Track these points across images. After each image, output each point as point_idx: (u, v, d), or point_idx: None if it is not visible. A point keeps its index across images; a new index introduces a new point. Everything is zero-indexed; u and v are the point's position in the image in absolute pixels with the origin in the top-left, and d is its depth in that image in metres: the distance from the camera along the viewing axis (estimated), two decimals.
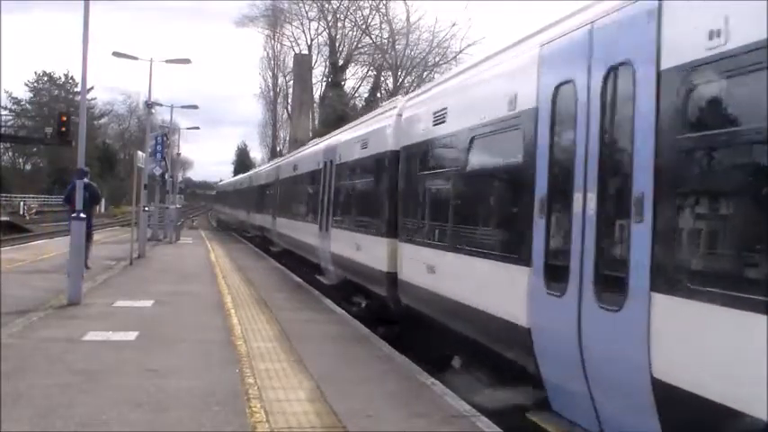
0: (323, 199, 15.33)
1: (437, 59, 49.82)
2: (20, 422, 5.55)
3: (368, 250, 11.26)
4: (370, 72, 56.50)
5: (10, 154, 75.91)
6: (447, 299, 7.92)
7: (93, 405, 6.07)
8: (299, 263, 19.12)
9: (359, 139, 12.82)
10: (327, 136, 18.46)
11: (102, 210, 53.05)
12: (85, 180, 16.35)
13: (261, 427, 5.67)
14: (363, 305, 12.20)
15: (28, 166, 79.41)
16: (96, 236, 18.87)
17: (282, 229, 22.56)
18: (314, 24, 58.08)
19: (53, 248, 21.25)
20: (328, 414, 6.07)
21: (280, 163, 27.17)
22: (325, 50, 58.19)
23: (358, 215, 12.46)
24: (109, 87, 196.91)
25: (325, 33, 57.56)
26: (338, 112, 45.93)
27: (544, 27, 6.48)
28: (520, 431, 6.19)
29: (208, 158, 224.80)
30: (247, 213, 35.84)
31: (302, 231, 18.22)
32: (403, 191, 10.00)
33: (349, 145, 13.69)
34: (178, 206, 37.08)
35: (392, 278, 10.02)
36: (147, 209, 25.43)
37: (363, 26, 54.80)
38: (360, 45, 56.04)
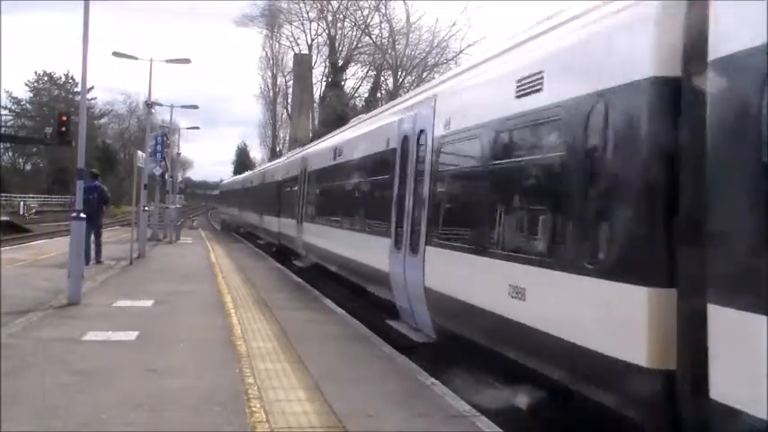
0: (400, 199, 10.00)
1: (437, 59, 49.93)
2: (20, 422, 5.53)
3: (557, 305, 5.57)
4: (370, 72, 56.65)
5: (10, 154, 76.00)
6: None
7: (93, 405, 6.06)
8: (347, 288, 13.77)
9: (510, 76, 6.68)
10: (399, 99, 12.97)
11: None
12: (95, 183, 16.71)
13: (261, 427, 5.66)
14: (526, 407, 6.38)
15: (28, 166, 79.49)
16: None
17: (314, 239, 16.93)
18: (314, 24, 58.27)
19: (53, 248, 21.25)
20: (328, 414, 6.06)
21: (308, 150, 21.00)
22: (325, 50, 58.34)
23: (516, 229, 6.76)
24: (109, 87, 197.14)
25: (324, 33, 57.72)
26: (338, 112, 45.93)
27: None
28: (520, 431, 6.19)
29: (208, 158, 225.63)
30: (260, 217, 29.48)
31: (352, 245, 12.77)
32: (731, 169, 3.95)
33: (474, 96, 8.02)
34: (178, 206, 37.10)
35: (668, 385, 4.38)
36: (147, 209, 25.45)
37: (363, 26, 54.90)
38: (360, 45, 56.18)
